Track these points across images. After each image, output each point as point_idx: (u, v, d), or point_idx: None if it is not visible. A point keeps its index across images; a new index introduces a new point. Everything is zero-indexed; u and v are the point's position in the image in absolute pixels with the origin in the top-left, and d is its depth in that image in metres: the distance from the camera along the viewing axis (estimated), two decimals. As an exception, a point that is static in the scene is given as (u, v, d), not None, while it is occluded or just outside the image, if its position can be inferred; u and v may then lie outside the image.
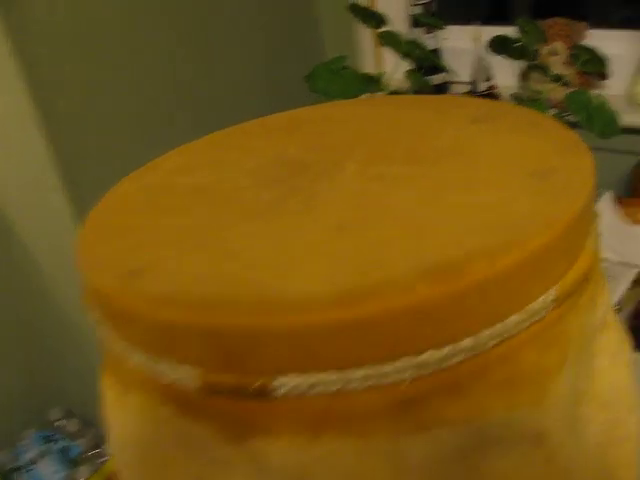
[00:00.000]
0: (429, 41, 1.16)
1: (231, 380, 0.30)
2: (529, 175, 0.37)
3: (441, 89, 1.20)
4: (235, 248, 0.35)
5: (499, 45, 0.91)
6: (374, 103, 0.53)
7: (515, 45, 0.90)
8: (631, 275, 0.86)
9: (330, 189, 0.40)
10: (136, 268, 0.34)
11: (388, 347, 0.29)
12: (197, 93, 0.96)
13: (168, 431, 0.34)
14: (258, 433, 0.31)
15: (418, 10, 1.18)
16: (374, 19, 0.93)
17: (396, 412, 0.30)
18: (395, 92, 1.00)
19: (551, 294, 0.32)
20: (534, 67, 1.01)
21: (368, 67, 1.32)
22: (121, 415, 0.38)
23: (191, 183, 0.44)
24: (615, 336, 0.39)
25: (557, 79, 0.86)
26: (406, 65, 1.01)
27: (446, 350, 0.30)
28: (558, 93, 1.00)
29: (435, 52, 1.02)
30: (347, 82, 0.85)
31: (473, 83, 1.02)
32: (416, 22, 1.18)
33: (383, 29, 0.99)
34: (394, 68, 0.98)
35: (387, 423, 0.31)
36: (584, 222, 0.34)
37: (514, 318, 0.31)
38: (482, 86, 0.96)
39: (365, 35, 1.29)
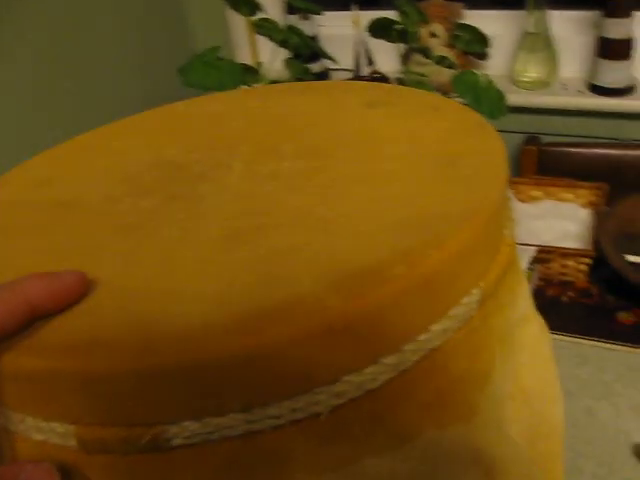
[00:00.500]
0: (306, 28, 1.12)
1: (115, 435, 0.25)
2: (438, 162, 0.34)
3: (322, 77, 1.16)
4: (107, 274, 0.29)
5: (379, 28, 0.89)
6: (258, 94, 0.48)
7: (395, 28, 0.88)
8: (528, 255, 0.86)
9: (216, 193, 0.35)
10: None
11: (299, 378, 0.25)
12: (66, 93, 0.88)
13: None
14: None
15: (292, -4, 1.14)
16: (248, 6, 0.88)
17: (315, 449, 0.26)
18: (275, 82, 0.96)
19: (475, 294, 0.29)
20: (416, 50, 0.99)
21: (244, 57, 1.26)
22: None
23: (52, 197, 0.38)
24: (535, 328, 0.37)
25: (440, 61, 0.85)
26: (284, 53, 0.97)
27: (366, 372, 0.26)
28: (442, 75, 0.99)
29: (313, 39, 0.98)
30: (224, 74, 0.79)
31: (355, 69, 1.00)
32: (291, 8, 1.14)
33: (258, 17, 0.95)
34: (272, 57, 0.93)
35: (305, 464, 0.26)
36: (501, 211, 0.31)
37: (438, 326, 0.28)
38: (365, 71, 0.94)
39: (238, 24, 1.23)
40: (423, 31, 0.92)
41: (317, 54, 1.07)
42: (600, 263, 0.79)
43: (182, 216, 0.33)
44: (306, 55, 1.02)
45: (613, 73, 0.95)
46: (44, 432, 0.26)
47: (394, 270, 0.26)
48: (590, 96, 1.00)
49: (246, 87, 0.50)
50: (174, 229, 0.32)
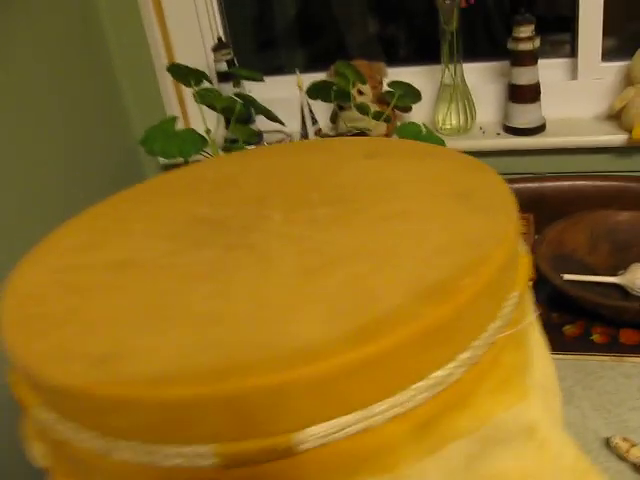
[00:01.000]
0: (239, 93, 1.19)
1: (252, 446, 0.29)
2: (453, 197, 0.40)
3: (260, 137, 1.23)
4: (206, 311, 0.33)
5: (317, 90, 0.97)
6: (263, 154, 0.54)
7: (333, 89, 0.96)
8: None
9: (268, 240, 0.39)
10: (104, 354, 0.31)
11: (404, 375, 0.30)
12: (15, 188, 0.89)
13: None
14: (287, 497, 0.30)
15: (223, 66, 1.20)
16: (195, 78, 0.94)
17: (417, 436, 0.31)
18: (226, 147, 1.01)
19: (514, 297, 0.35)
20: (348, 107, 1.08)
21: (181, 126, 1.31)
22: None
23: (107, 259, 0.41)
24: (538, 329, 0.44)
25: (377, 116, 0.93)
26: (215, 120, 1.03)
27: (448, 368, 0.31)
28: (379, 128, 1.08)
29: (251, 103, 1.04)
30: (183, 142, 0.84)
31: (302, 129, 1.07)
32: (224, 77, 1.20)
33: (200, 87, 1.00)
34: (215, 124, 0.99)
35: (410, 450, 0.31)
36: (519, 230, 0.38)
37: (494, 324, 0.34)
38: (311, 131, 1.01)
39: (171, 96, 1.28)
40: (352, 90, 1.00)
41: (249, 118, 1.13)
42: (541, 284, 0.87)
43: (250, 260, 0.37)
44: (243, 119, 1.08)
45: (524, 115, 1.07)
46: (183, 456, 0.29)
47: (464, 281, 0.32)
48: (506, 137, 1.11)
49: (249, 148, 0.55)
50: (249, 271, 0.36)
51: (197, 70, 0.92)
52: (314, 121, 0.92)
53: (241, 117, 1.03)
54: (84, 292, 0.38)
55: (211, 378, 0.28)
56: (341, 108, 1.12)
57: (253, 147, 0.50)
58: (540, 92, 1.06)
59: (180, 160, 1.30)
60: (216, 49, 1.18)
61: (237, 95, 0.92)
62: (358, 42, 1.33)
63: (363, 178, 0.46)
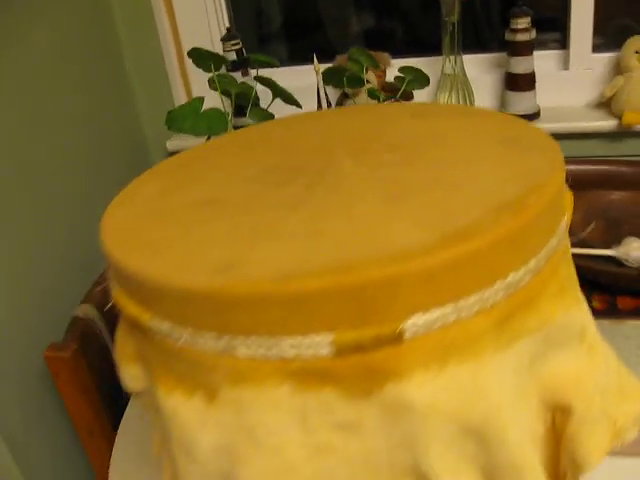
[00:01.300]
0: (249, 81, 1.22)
1: (366, 334, 0.34)
2: (502, 143, 0.46)
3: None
4: (307, 230, 0.38)
5: (331, 75, 1.02)
6: (314, 117, 0.59)
7: (345, 75, 1.01)
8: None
9: (345, 179, 0.44)
10: (226, 263, 0.36)
11: (486, 274, 0.35)
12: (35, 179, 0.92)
13: (281, 414, 0.36)
14: (389, 380, 0.34)
15: (231, 56, 1.25)
16: (215, 62, 0.98)
17: (496, 330, 0.36)
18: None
19: (565, 221, 0.41)
20: (354, 95, 1.13)
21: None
22: (211, 423, 0.38)
23: (192, 200, 0.46)
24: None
25: (387, 100, 0.99)
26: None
27: (521, 271, 0.37)
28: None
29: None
30: (212, 120, 0.88)
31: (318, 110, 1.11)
32: (232, 66, 1.24)
33: (217, 73, 1.05)
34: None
35: (491, 342, 0.36)
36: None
37: (552, 240, 0.39)
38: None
39: (177, 83, 1.33)
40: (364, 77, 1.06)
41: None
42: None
43: (332, 194, 0.42)
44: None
45: (521, 102, 1.13)
46: (301, 346, 0.34)
47: (530, 199, 0.37)
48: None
49: (300, 113, 0.59)
50: (333, 201, 0.41)
51: (217, 54, 0.97)
52: (329, 104, 0.97)
53: (248, 103, 1.08)
54: (183, 223, 0.42)
55: (331, 272, 0.33)
56: (346, 96, 1.17)
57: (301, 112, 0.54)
58: (535, 81, 1.13)
59: (187, 145, 1.34)
60: (225, 39, 1.22)
61: (257, 78, 0.96)
62: (359, 34, 1.39)
63: (415, 132, 0.51)
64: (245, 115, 1.06)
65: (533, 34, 1.10)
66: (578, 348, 0.41)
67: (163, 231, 0.42)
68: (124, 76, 1.28)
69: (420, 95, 1.19)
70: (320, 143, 0.52)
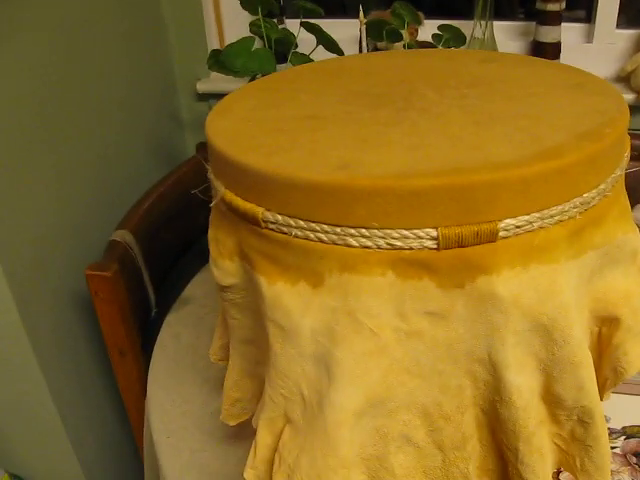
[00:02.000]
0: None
1: (467, 230, 0.39)
2: (570, 86, 0.51)
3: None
4: (410, 142, 0.43)
5: (372, 27, 1.06)
6: (389, 55, 0.63)
7: (386, 28, 1.05)
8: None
9: (432, 105, 0.49)
10: (344, 163, 0.41)
11: (569, 190, 0.41)
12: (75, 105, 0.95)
13: (382, 300, 0.41)
14: (482, 273, 0.40)
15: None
16: (263, 5, 1.01)
17: (570, 241, 0.42)
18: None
19: (627, 154, 0.46)
20: (387, 49, 1.17)
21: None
22: (314, 307, 0.43)
23: (292, 114, 0.50)
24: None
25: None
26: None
27: (594, 192, 0.42)
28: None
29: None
30: (262, 60, 0.92)
31: None
32: (271, 13, 1.27)
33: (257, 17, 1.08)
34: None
35: (564, 250, 0.42)
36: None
37: (618, 169, 0.45)
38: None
39: (211, 27, 1.35)
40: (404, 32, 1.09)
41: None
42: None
43: (423, 116, 0.47)
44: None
45: (545, 70, 1.19)
46: (408, 238, 0.39)
47: (606, 130, 0.43)
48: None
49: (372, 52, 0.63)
50: (426, 122, 0.46)
51: None
52: (367, 56, 1.01)
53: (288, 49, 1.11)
54: (289, 131, 0.47)
55: (440, 174, 0.38)
56: (377, 50, 1.21)
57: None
58: (560, 51, 1.18)
59: (218, 88, 1.37)
60: (263, -13, 1.25)
61: (303, 24, 1.00)
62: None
63: (487, 73, 0.56)
64: (284, 61, 1.10)
65: (563, 4, 1.14)
66: (630, 268, 0.46)
67: (273, 137, 0.46)
68: (159, 18, 1.30)
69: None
70: (399, 76, 0.56)
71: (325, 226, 0.41)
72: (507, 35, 1.28)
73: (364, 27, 0.98)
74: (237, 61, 0.90)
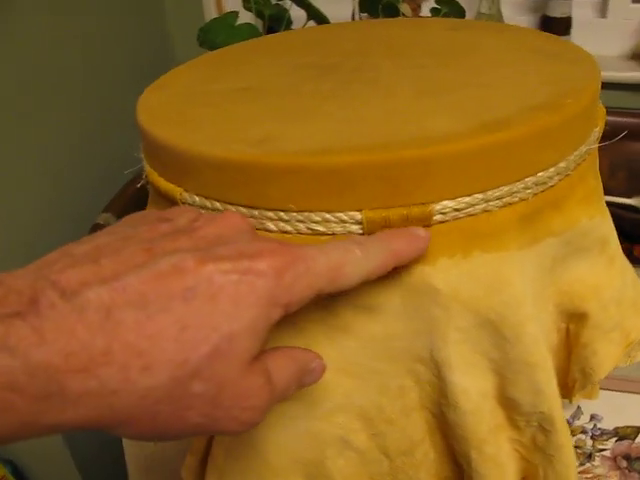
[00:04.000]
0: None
1: (395, 213, 0.34)
2: (543, 55, 0.46)
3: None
4: (344, 115, 0.38)
5: (368, 3, 1.01)
6: (352, 26, 0.58)
7: (382, 3, 1.00)
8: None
9: (384, 76, 0.44)
10: (262, 137, 0.36)
11: (517, 168, 0.36)
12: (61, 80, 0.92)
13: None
14: (415, 263, 0.35)
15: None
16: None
17: (521, 226, 0.37)
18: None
19: (597, 131, 0.41)
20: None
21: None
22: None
23: (231, 87, 0.46)
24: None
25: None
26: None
27: (551, 171, 0.37)
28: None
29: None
30: (245, 36, 0.88)
31: None
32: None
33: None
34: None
35: (515, 237, 0.37)
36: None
37: (582, 147, 0.39)
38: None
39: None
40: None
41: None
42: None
43: (369, 88, 0.42)
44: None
45: (554, 47, 1.12)
46: (331, 222, 0.35)
47: (567, 101, 0.37)
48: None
49: (341, 22, 0.59)
50: (371, 94, 0.41)
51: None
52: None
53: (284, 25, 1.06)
54: (217, 105, 0.43)
55: (366, 150, 0.34)
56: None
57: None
58: (571, 26, 1.11)
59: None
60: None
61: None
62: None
63: (454, 41, 0.50)
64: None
65: (574, -23, 1.08)
66: (598, 257, 0.41)
67: (198, 111, 0.42)
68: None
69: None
70: (357, 46, 0.52)
71: (242, 208, 0.37)
72: (515, 10, 1.21)
73: (357, 1, 0.93)
74: (218, 37, 0.86)
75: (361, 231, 0.35)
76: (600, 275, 0.41)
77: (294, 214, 0.35)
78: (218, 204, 0.37)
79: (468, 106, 0.38)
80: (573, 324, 0.43)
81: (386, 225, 0.34)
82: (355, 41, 0.53)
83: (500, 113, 0.36)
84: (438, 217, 0.35)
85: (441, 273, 0.35)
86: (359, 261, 0.30)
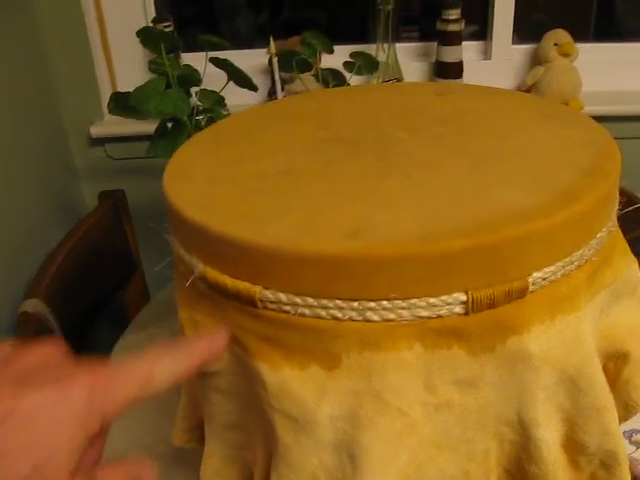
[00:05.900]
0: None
1: (498, 290, 0.36)
2: (543, 117, 0.50)
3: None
4: (411, 194, 0.39)
5: (284, 58, 1.02)
6: (337, 93, 0.60)
7: (296, 59, 1.02)
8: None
9: (413, 149, 0.46)
10: (354, 228, 0.36)
11: (587, 232, 0.39)
12: None
13: (409, 375, 0.37)
14: (513, 333, 0.37)
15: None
16: (166, 42, 0.95)
17: (588, 285, 0.40)
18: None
19: (615, 213, 0.45)
20: (291, 80, 1.13)
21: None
22: (332, 391, 0.38)
23: (265, 170, 0.45)
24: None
25: (338, 84, 1.01)
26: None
27: (605, 230, 0.40)
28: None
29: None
30: (176, 101, 0.86)
31: (270, 94, 1.10)
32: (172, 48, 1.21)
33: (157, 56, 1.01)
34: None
35: (584, 295, 0.40)
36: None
37: (616, 203, 0.43)
38: (280, 96, 1.06)
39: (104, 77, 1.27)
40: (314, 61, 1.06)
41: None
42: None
43: (412, 163, 0.44)
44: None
45: (450, 89, 1.20)
46: (434, 306, 0.36)
47: (607, 165, 0.41)
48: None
49: (320, 89, 0.59)
50: (418, 167, 0.43)
51: (170, 34, 0.94)
52: (282, 87, 0.97)
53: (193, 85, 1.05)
54: (270, 192, 0.42)
55: (469, 232, 0.35)
56: (283, 81, 1.17)
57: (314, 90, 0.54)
58: (463, 69, 1.20)
59: (111, 131, 1.28)
60: (156, 21, 1.18)
61: (212, 60, 0.94)
62: (288, 22, 1.40)
63: (450, 108, 0.53)
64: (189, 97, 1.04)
65: (462, 24, 1.16)
66: (632, 300, 0.45)
67: (253, 201, 0.41)
68: (46, 64, 1.20)
69: (355, 81, 1.22)
70: (361, 118, 0.53)
71: (339, 302, 0.36)
72: (408, 57, 1.29)
73: (276, 59, 0.94)
74: (149, 104, 0.83)
75: (464, 311, 0.36)
76: (634, 316, 0.45)
77: (399, 302, 0.36)
78: (310, 299, 0.37)
79: (522, 176, 0.40)
80: (612, 363, 0.46)
81: (490, 303, 0.36)
82: (354, 112, 0.54)
83: (560, 182, 0.39)
84: (531, 288, 0.37)
85: (535, 339, 0.37)
86: (168, 368, 0.35)
